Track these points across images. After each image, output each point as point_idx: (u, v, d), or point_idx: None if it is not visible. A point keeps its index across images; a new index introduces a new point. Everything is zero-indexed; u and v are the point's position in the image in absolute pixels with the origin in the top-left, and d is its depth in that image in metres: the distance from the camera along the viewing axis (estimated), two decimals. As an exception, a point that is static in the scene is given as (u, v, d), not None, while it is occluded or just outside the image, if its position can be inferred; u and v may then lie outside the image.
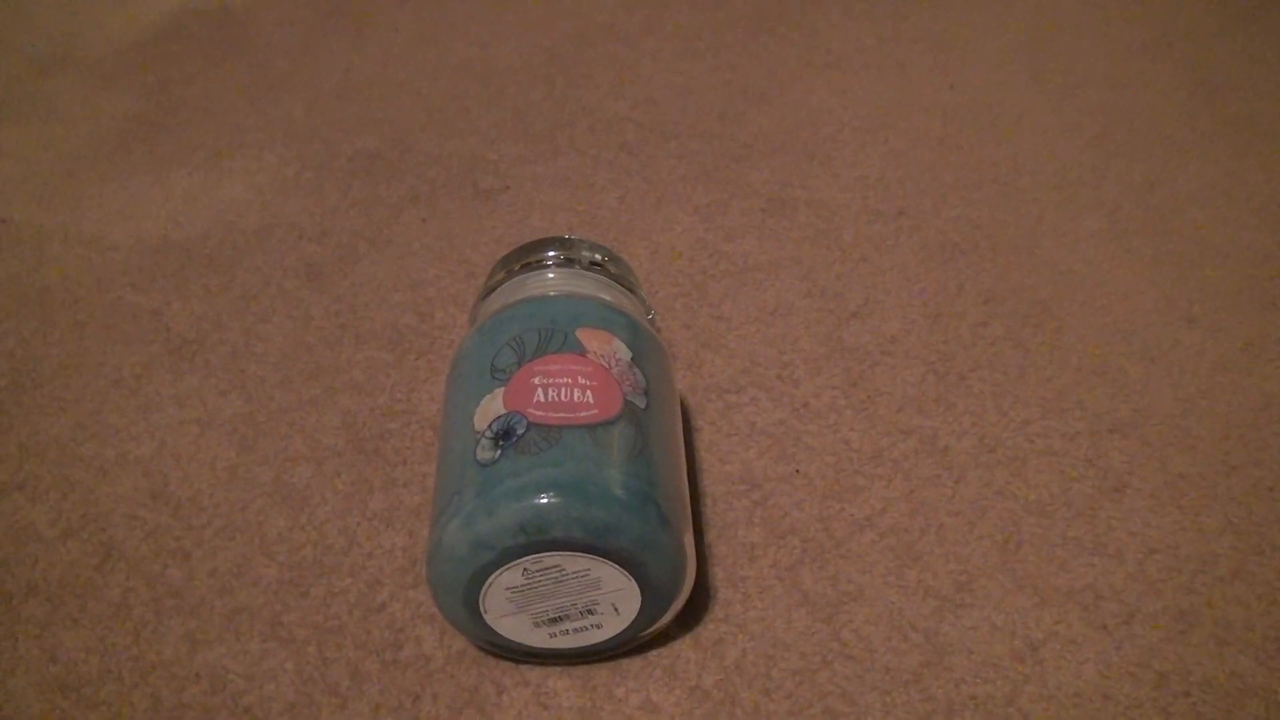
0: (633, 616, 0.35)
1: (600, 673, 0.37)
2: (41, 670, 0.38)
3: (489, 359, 0.36)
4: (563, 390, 0.34)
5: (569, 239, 0.42)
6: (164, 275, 0.55)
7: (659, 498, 0.33)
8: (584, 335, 0.36)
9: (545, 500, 0.31)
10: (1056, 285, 0.52)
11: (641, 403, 0.35)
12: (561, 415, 0.33)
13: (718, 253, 0.55)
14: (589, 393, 0.34)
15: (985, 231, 0.55)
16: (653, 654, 0.37)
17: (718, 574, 0.40)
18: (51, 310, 0.53)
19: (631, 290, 0.41)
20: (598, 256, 0.41)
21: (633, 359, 0.36)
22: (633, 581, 0.33)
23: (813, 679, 0.36)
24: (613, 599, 0.34)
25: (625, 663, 0.37)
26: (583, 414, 0.33)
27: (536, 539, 0.32)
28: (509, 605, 0.34)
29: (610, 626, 0.35)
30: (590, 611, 0.34)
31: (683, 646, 0.37)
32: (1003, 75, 0.68)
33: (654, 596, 0.34)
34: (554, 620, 0.35)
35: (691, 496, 0.42)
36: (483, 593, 0.33)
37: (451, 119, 0.67)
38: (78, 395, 0.48)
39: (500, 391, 0.34)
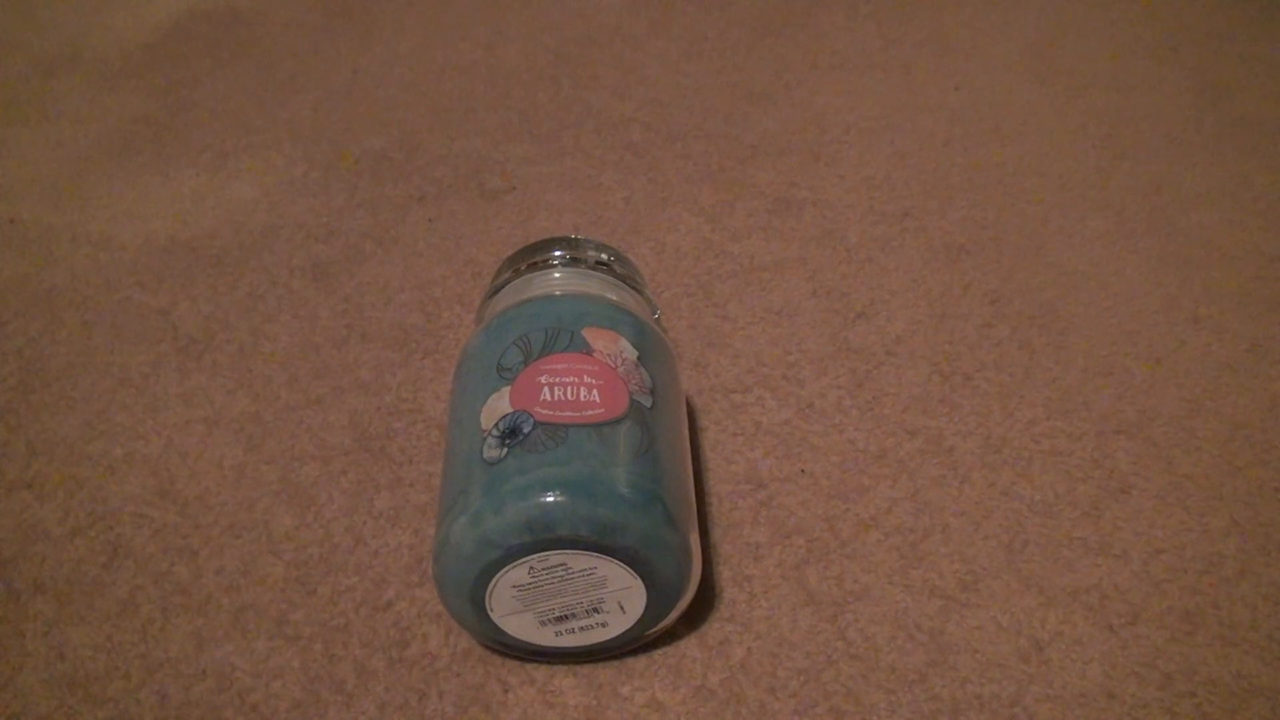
0: (638, 615, 0.35)
1: (606, 671, 0.37)
2: (49, 667, 0.38)
3: (495, 358, 0.36)
4: (569, 389, 0.34)
5: (575, 238, 0.42)
6: (171, 275, 0.55)
7: (665, 496, 0.33)
8: (590, 334, 0.36)
9: (552, 499, 0.32)
10: (1062, 286, 0.52)
11: (647, 402, 0.35)
12: (568, 414, 0.33)
13: (723, 253, 0.55)
14: (595, 392, 0.34)
15: (991, 232, 0.55)
16: (658, 653, 0.37)
17: (723, 573, 0.40)
18: (59, 309, 0.54)
19: (637, 290, 0.41)
20: (604, 256, 0.42)
21: (639, 358, 0.37)
22: (638, 580, 0.34)
23: (818, 678, 0.36)
24: (619, 597, 0.34)
25: (631, 661, 0.37)
26: (589, 413, 0.34)
27: (543, 537, 0.32)
28: (515, 603, 0.34)
29: (616, 625, 0.35)
30: (596, 610, 0.34)
31: (688, 645, 0.37)
32: (1009, 77, 0.68)
33: (660, 595, 0.34)
34: (560, 619, 0.35)
35: (697, 496, 0.42)
36: (489, 591, 0.33)
37: (458, 120, 0.67)
38: (85, 394, 0.49)
39: (506, 390, 0.34)
